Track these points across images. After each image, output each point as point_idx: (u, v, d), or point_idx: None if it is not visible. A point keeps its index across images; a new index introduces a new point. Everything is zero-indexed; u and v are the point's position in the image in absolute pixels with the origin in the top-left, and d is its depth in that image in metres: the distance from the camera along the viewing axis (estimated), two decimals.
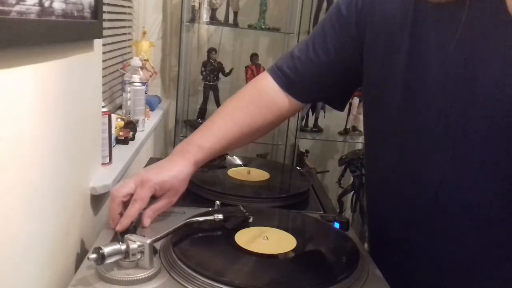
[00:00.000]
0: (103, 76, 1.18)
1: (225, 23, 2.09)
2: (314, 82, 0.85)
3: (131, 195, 0.73)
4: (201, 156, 0.80)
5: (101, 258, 0.57)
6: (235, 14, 2.07)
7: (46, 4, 0.59)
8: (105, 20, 1.06)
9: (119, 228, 0.70)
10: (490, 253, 0.67)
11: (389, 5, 0.73)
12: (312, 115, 2.23)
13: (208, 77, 2.07)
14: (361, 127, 2.32)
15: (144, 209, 0.74)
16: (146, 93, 1.51)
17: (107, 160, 1.03)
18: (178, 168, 0.77)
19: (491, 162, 0.62)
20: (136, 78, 1.43)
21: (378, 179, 0.82)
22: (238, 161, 1.12)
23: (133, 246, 0.60)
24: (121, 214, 0.72)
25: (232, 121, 0.84)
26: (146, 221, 0.74)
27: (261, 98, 0.87)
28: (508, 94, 0.59)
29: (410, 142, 0.71)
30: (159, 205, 0.75)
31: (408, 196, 0.73)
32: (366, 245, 0.94)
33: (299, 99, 0.87)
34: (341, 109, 0.93)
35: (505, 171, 0.62)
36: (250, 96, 0.88)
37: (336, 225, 0.79)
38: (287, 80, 0.86)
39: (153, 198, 0.75)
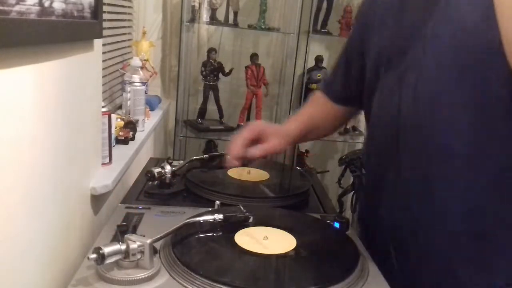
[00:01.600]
0: (103, 76, 1.18)
1: (225, 23, 2.08)
2: (341, 81, 0.95)
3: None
4: (301, 125, 0.95)
5: (101, 258, 0.57)
6: (235, 14, 2.07)
7: (46, 4, 0.59)
8: (105, 20, 1.06)
9: (233, 151, 0.85)
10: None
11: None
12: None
13: (208, 77, 2.07)
14: (361, 127, 2.32)
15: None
16: (146, 93, 1.51)
17: (107, 160, 1.03)
18: (284, 126, 0.94)
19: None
20: (136, 78, 1.43)
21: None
22: None
23: (133, 246, 0.60)
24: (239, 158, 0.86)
25: (316, 111, 0.99)
26: (258, 152, 0.87)
27: (318, 101, 1.00)
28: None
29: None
30: (267, 145, 0.88)
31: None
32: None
33: (333, 99, 0.97)
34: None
35: None
36: (314, 98, 1.02)
37: (336, 225, 0.79)
38: (325, 83, 1.02)
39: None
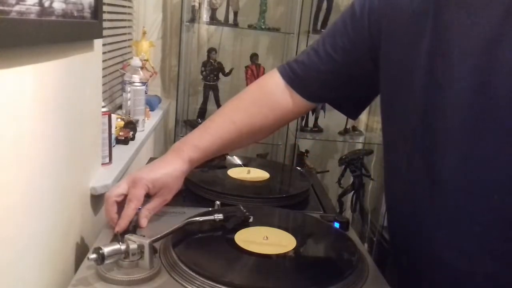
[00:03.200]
0: (103, 76, 1.18)
1: (225, 23, 2.08)
2: (319, 78, 0.81)
3: (125, 195, 0.73)
4: (196, 155, 0.79)
5: (101, 258, 0.57)
6: (235, 14, 2.07)
7: (46, 4, 0.59)
8: (105, 20, 1.06)
9: (118, 229, 0.70)
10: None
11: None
12: (312, 115, 2.23)
13: (208, 77, 2.07)
14: (361, 127, 2.32)
15: (139, 210, 0.74)
16: (146, 93, 1.51)
17: (107, 160, 1.03)
18: (171, 166, 0.76)
19: None
20: (136, 78, 1.43)
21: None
22: (238, 161, 1.12)
23: (133, 246, 0.60)
24: (118, 214, 0.72)
25: (231, 121, 0.82)
26: (143, 221, 0.73)
27: (263, 97, 0.85)
28: None
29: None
30: (154, 204, 0.75)
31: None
32: (366, 245, 0.94)
33: (303, 95, 0.83)
34: (353, 116, 0.90)
35: None
36: (252, 96, 0.86)
37: (336, 225, 0.79)
38: (292, 73, 0.83)
39: (147, 198, 0.75)
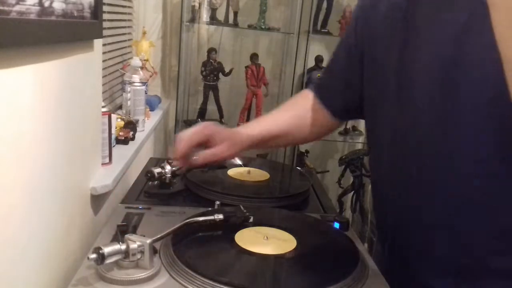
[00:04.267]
0: (103, 76, 1.18)
1: (225, 23, 2.08)
2: (339, 89, 0.87)
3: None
4: (258, 132, 0.87)
5: (101, 258, 0.57)
6: (235, 14, 2.07)
7: (46, 4, 0.59)
8: (105, 20, 1.06)
9: (176, 154, 0.81)
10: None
11: (383, 12, 0.75)
12: None
13: (208, 77, 2.07)
14: (361, 127, 2.32)
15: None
16: (146, 93, 1.51)
17: (107, 160, 1.03)
18: (237, 130, 0.87)
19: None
20: (136, 78, 1.43)
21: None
22: (238, 161, 1.12)
23: (133, 246, 0.60)
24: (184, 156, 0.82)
25: (290, 115, 0.92)
26: (201, 159, 0.82)
27: (301, 107, 0.92)
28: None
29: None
30: (215, 149, 0.82)
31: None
32: (366, 245, 0.94)
33: (328, 108, 0.89)
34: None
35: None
36: (291, 105, 0.95)
37: (336, 225, 0.79)
38: (319, 87, 0.92)
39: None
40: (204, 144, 0.82)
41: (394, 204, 0.76)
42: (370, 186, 2.27)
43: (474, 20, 0.59)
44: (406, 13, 0.70)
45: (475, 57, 0.60)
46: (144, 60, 1.70)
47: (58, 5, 0.64)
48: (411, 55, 0.68)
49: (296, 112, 0.92)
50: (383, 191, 0.80)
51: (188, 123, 2.16)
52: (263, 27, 2.08)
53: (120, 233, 0.67)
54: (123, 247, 0.59)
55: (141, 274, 0.59)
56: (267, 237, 0.70)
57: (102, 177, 0.95)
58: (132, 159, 1.19)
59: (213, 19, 2.06)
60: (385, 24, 0.74)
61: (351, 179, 2.14)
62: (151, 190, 0.90)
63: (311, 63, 2.15)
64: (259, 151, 2.21)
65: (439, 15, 0.65)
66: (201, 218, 0.71)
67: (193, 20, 2.03)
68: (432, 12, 0.66)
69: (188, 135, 0.81)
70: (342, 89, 0.87)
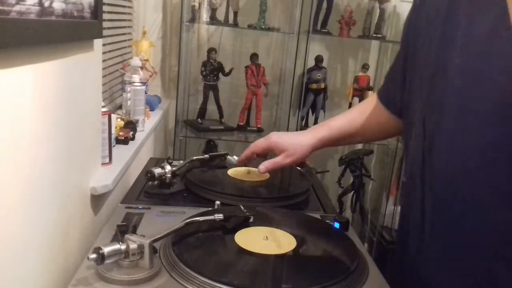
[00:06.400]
0: (103, 76, 1.18)
1: (225, 23, 2.08)
2: (396, 89, 0.86)
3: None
4: (328, 133, 0.92)
5: (101, 258, 0.57)
6: (235, 14, 2.07)
7: (46, 4, 0.59)
8: (105, 20, 1.06)
9: (238, 161, 0.98)
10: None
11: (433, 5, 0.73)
12: (312, 115, 2.23)
13: (208, 77, 2.07)
14: None
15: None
16: (146, 93, 1.51)
17: (107, 160, 1.03)
18: (302, 137, 0.92)
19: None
20: (136, 78, 1.43)
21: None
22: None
23: (133, 246, 0.60)
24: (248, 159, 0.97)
25: (359, 113, 0.94)
26: (263, 167, 0.92)
27: (368, 108, 0.94)
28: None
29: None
30: (274, 160, 0.92)
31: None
32: (366, 245, 0.95)
33: (388, 108, 0.89)
34: None
35: None
36: (364, 104, 0.97)
37: (336, 225, 0.79)
38: (381, 88, 0.94)
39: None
40: (270, 151, 0.94)
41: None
42: (370, 186, 2.27)
43: (500, 21, 0.59)
44: (446, 13, 0.68)
45: (505, 54, 0.59)
46: (144, 60, 1.70)
47: (58, 5, 0.64)
48: (447, 55, 0.67)
49: (362, 114, 0.94)
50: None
51: (188, 123, 2.16)
52: (263, 27, 2.07)
53: (120, 233, 0.67)
54: (123, 247, 0.59)
55: (141, 274, 0.59)
56: (267, 237, 0.70)
57: (102, 177, 0.95)
58: (132, 159, 1.19)
59: (213, 19, 2.06)
60: (428, 24, 0.73)
61: (351, 179, 2.14)
62: (151, 190, 0.90)
63: (311, 63, 2.16)
64: None
65: (475, 15, 0.64)
66: (201, 218, 0.71)
67: (193, 20, 2.03)
68: (469, 12, 0.64)
69: (256, 142, 0.95)
70: (399, 89, 0.85)
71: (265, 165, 0.92)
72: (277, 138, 0.93)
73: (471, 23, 0.64)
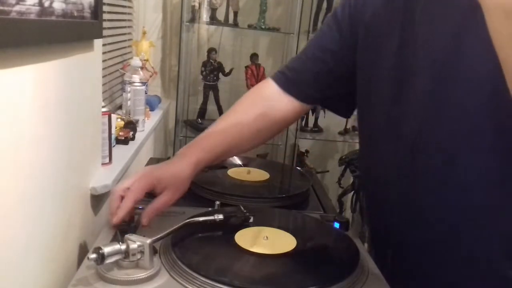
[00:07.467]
0: (103, 76, 1.18)
1: (225, 23, 2.08)
2: (311, 80, 0.86)
3: None
4: (202, 156, 0.80)
5: (101, 258, 0.57)
6: (235, 14, 2.07)
7: (46, 4, 0.59)
8: (105, 20, 1.06)
9: (115, 220, 0.70)
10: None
11: (380, 5, 0.75)
12: (312, 115, 2.23)
13: (208, 77, 2.07)
14: None
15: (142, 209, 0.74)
16: (146, 93, 1.51)
17: (107, 160, 1.02)
18: (178, 166, 0.77)
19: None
20: (136, 78, 1.43)
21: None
22: (238, 161, 1.12)
23: (133, 246, 0.60)
24: None
25: (232, 124, 0.86)
26: (145, 220, 0.72)
27: (261, 101, 0.89)
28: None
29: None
30: (158, 203, 0.73)
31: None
32: (366, 245, 0.94)
33: (298, 98, 0.88)
34: (345, 115, 0.95)
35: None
36: (250, 101, 0.91)
37: (336, 225, 0.79)
38: (285, 78, 0.89)
39: (153, 198, 0.75)
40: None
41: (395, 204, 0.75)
42: None
43: (470, 18, 0.60)
44: (406, 3, 0.70)
45: (473, 54, 0.60)
46: (144, 60, 1.70)
47: (58, 5, 0.64)
48: (410, 49, 0.68)
49: (254, 107, 0.89)
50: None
51: (188, 123, 2.16)
52: (263, 27, 2.07)
53: (120, 233, 0.67)
54: (123, 247, 0.59)
55: (141, 274, 0.59)
56: (267, 237, 0.70)
57: (102, 177, 0.95)
58: (132, 159, 1.19)
59: (213, 19, 2.06)
60: (385, 12, 0.74)
61: (351, 179, 2.14)
62: None
63: None
64: (259, 151, 2.21)
65: (439, 10, 0.65)
66: (201, 218, 0.71)
67: (193, 20, 2.03)
68: (432, 7, 0.66)
69: (133, 189, 0.71)
70: (316, 78, 0.86)
71: (147, 215, 0.72)
72: (158, 173, 0.75)
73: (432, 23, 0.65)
